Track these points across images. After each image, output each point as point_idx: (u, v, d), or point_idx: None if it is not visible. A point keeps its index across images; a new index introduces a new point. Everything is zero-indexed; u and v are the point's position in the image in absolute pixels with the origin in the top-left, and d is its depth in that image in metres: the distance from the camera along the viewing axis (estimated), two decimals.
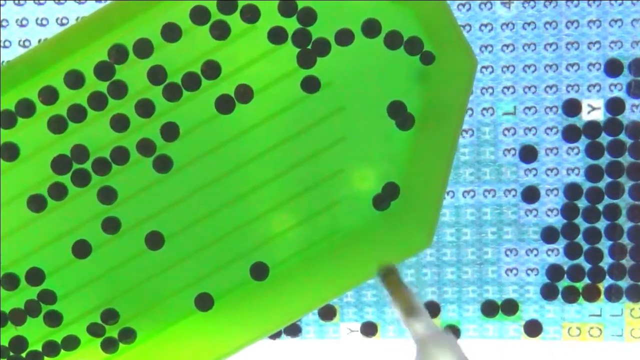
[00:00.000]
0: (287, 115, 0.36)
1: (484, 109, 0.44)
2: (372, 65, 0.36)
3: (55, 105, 0.35)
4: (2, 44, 0.43)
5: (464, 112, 0.36)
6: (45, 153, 0.36)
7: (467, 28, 0.43)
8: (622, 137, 0.44)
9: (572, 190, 0.44)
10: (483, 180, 0.44)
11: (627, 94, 0.44)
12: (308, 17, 0.35)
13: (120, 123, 0.36)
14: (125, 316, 0.38)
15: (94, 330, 0.38)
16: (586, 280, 0.45)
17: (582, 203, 0.44)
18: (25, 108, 0.35)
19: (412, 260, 0.45)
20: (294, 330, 0.46)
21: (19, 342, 0.37)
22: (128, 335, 0.38)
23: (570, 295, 0.45)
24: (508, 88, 0.44)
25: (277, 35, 0.35)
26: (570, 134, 0.44)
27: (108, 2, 0.35)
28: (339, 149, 0.37)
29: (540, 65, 0.43)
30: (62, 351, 0.38)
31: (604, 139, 0.44)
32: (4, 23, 0.43)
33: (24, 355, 0.38)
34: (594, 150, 0.44)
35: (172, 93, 0.36)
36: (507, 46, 0.43)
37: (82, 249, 0.37)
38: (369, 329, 0.46)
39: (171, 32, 0.35)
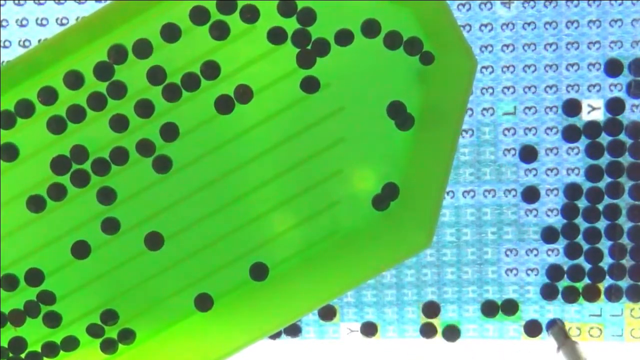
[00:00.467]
0: (286, 115, 0.36)
1: (484, 109, 0.44)
2: (371, 66, 0.36)
3: (54, 105, 0.35)
4: (2, 44, 0.43)
5: (463, 113, 0.36)
6: (45, 153, 0.36)
7: (467, 28, 0.43)
8: (622, 137, 0.44)
9: (572, 190, 0.44)
10: (483, 180, 0.44)
11: (627, 94, 0.44)
12: (308, 17, 0.35)
13: (119, 123, 0.35)
14: (125, 317, 0.38)
15: (94, 330, 0.38)
16: (586, 280, 0.45)
17: (582, 203, 0.44)
18: (25, 108, 0.35)
19: (412, 260, 0.45)
20: (294, 330, 0.46)
21: (18, 343, 0.38)
22: (127, 335, 0.38)
23: (570, 295, 0.45)
24: (508, 88, 0.44)
25: (276, 36, 0.35)
26: (570, 134, 0.44)
27: (107, 2, 0.34)
28: (339, 149, 0.37)
29: (540, 65, 0.43)
30: (62, 352, 0.38)
31: (604, 139, 0.44)
32: (4, 23, 0.43)
33: (23, 356, 0.38)
34: (594, 150, 0.44)
35: (172, 93, 0.36)
36: (507, 46, 0.43)
37: (81, 250, 0.37)
38: (369, 329, 0.46)
39: (171, 33, 0.35)
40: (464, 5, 0.43)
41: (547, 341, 0.46)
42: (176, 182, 0.36)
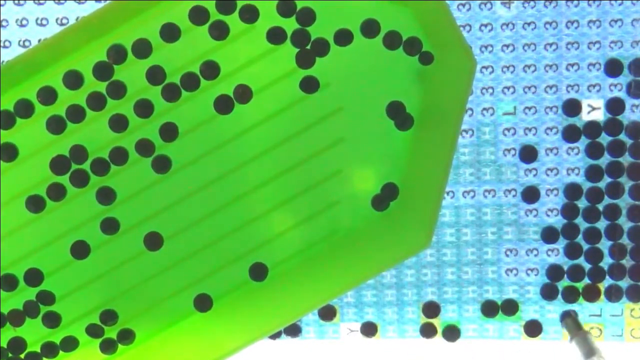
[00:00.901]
0: (286, 115, 0.36)
1: (484, 109, 0.44)
2: (371, 66, 0.36)
3: (54, 105, 0.35)
4: (2, 44, 0.43)
5: (463, 113, 0.36)
6: (44, 153, 0.36)
7: (467, 28, 0.43)
8: (622, 137, 0.44)
9: (572, 190, 0.44)
10: (483, 180, 0.44)
11: (627, 94, 0.44)
12: (307, 17, 0.35)
13: (119, 123, 0.35)
14: (124, 317, 0.38)
15: (93, 331, 0.38)
16: (586, 280, 0.45)
17: (582, 203, 0.44)
18: (24, 108, 0.35)
19: (412, 260, 0.45)
20: (294, 330, 0.46)
21: (17, 343, 0.37)
22: (127, 336, 0.38)
23: (571, 295, 0.45)
24: (508, 88, 0.44)
25: (276, 36, 0.35)
26: (570, 134, 0.44)
27: (107, 2, 0.34)
28: (338, 149, 0.37)
29: (540, 65, 0.43)
30: (61, 352, 0.38)
31: (604, 139, 0.44)
32: (4, 23, 0.43)
33: (22, 356, 0.38)
34: (594, 150, 0.44)
35: (171, 93, 0.35)
36: (507, 46, 0.43)
37: (81, 250, 0.37)
38: (369, 329, 0.46)
39: (170, 32, 0.35)
40: (464, 5, 0.43)
41: (546, 341, 0.46)
42: (176, 182, 0.36)
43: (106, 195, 0.36)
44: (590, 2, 0.43)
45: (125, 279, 0.37)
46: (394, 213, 0.38)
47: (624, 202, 0.44)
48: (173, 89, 0.35)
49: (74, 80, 0.35)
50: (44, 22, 0.43)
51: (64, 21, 0.43)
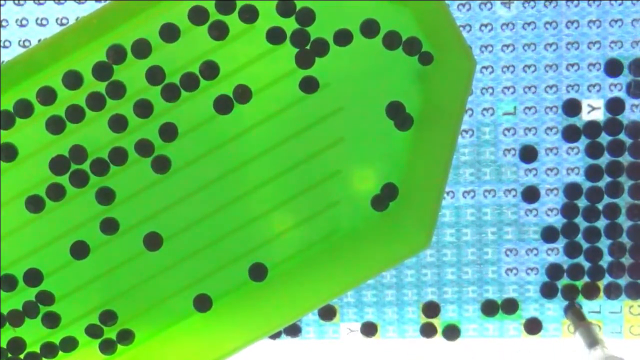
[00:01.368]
0: (285, 115, 0.36)
1: (484, 109, 0.44)
2: (370, 66, 0.36)
3: (53, 105, 0.35)
4: (2, 44, 0.43)
5: (462, 113, 0.36)
6: (44, 154, 0.35)
7: (467, 28, 0.43)
8: (622, 137, 0.44)
9: (572, 190, 0.44)
10: (483, 180, 0.44)
11: (627, 94, 0.44)
12: (306, 17, 0.35)
13: (118, 123, 0.35)
14: (124, 317, 0.38)
15: (93, 331, 0.38)
16: (586, 279, 0.45)
17: (582, 202, 0.44)
18: (24, 108, 0.35)
19: (412, 260, 0.45)
20: (294, 330, 0.46)
21: (17, 344, 0.37)
22: (126, 336, 0.38)
23: (570, 293, 0.45)
24: (508, 88, 0.44)
25: (275, 36, 0.35)
26: (570, 134, 0.44)
27: (106, 2, 0.34)
28: (338, 149, 0.37)
29: (540, 65, 0.43)
30: (60, 353, 0.38)
31: (604, 138, 0.44)
32: (4, 23, 0.43)
33: (22, 356, 0.38)
34: (594, 150, 0.44)
35: (171, 93, 0.35)
36: (507, 46, 0.43)
37: (80, 250, 0.37)
38: (369, 329, 0.46)
39: (170, 32, 0.35)
40: (464, 5, 0.43)
41: (546, 339, 0.46)
42: (175, 183, 0.36)
43: (106, 196, 0.36)
44: (590, 2, 0.43)
45: (125, 280, 0.37)
46: (394, 213, 0.38)
47: (624, 201, 0.44)
48: (173, 89, 0.35)
49: (73, 80, 0.35)
50: (44, 22, 0.43)
51: (64, 21, 0.43)
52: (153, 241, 0.37)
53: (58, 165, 0.36)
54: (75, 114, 0.35)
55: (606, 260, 0.45)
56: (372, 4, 0.35)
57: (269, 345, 0.46)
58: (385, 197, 0.37)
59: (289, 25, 0.35)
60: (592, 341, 0.42)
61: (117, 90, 0.35)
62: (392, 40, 0.36)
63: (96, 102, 0.35)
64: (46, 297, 0.37)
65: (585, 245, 0.45)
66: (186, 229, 0.37)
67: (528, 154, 0.44)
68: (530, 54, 0.43)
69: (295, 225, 0.38)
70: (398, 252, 0.38)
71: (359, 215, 0.38)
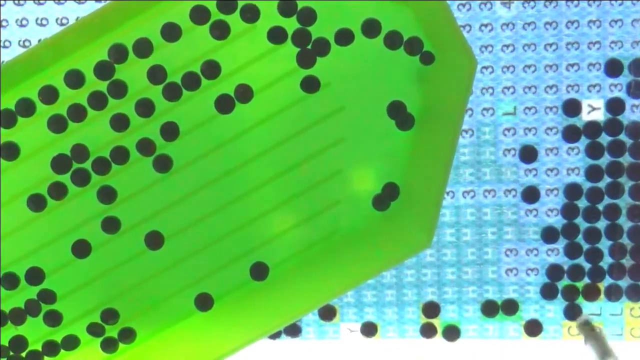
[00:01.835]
0: (286, 115, 0.36)
1: (484, 109, 0.44)
2: (372, 66, 0.36)
3: (55, 104, 0.35)
4: (2, 44, 0.43)
5: (463, 113, 0.36)
6: (45, 152, 0.36)
7: (467, 28, 0.43)
8: (622, 137, 0.44)
9: (572, 190, 0.44)
10: (483, 180, 0.44)
11: (627, 94, 0.44)
12: (308, 17, 0.35)
13: (120, 123, 0.36)
14: (125, 316, 0.38)
15: (94, 330, 0.38)
16: (586, 280, 0.45)
17: (582, 203, 0.44)
18: (26, 107, 0.35)
19: (412, 260, 0.45)
20: (294, 330, 0.46)
21: (18, 342, 0.37)
22: (128, 335, 0.38)
23: (570, 295, 0.45)
24: (508, 88, 0.44)
25: (276, 35, 0.35)
26: (570, 134, 0.44)
27: (108, 1, 0.34)
28: (339, 149, 0.37)
29: (540, 65, 0.43)
30: (62, 351, 0.38)
31: (604, 139, 0.44)
32: (4, 23, 0.43)
33: (23, 354, 0.38)
34: (594, 150, 0.44)
35: (172, 93, 0.36)
36: (507, 46, 0.43)
37: (82, 249, 0.37)
38: (369, 329, 0.46)
39: (171, 32, 0.35)
40: (464, 5, 0.43)
41: (546, 340, 0.46)
42: (177, 182, 0.36)
43: (107, 195, 0.36)
44: (590, 2, 0.43)
45: (126, 278, 0.37)
46: (395, 213, 0.38)
47: (624, 202, 0.44)
48: (174, 88, 0.36)
49: (75, 79, 0.35)
50: (44, 22, 0.43)
51: (64, 21, 0.43)
52: (154, 240, 0.37)
53: (60, 164, 0.36)
54: (77, 113, 0.35)
55: (607, 261, 0.45)
56: (374, 3, 0.35)
57: (269, 345, 0.46)
58: (386, 196, 0.38)
59: (290, 24, 0.35)
60: (604, 352, 0.43)
61: (119, 89, 0.35)
62: (393, 40, 0.36)
63: (98, 101, 0.35)
64: (48, 296, 0.37)
65: (585, 246, 0.45)
66: (188, 228, 0.37)
67: (528, 154, 0.44)
68: (530, 54, 0.43)
69: (296, 224, 0.38)
70: (399, 252, 0.38)
71: (360, 215, 0.38)
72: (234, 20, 0.35)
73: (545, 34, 0.43)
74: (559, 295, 0.45)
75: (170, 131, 0.36)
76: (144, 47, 0.35)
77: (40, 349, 0.38)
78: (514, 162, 0.44)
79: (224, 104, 0.36)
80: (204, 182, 0.37)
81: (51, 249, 0.37)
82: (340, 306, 0.46)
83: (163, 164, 0.36)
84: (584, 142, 0.44)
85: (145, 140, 0.36)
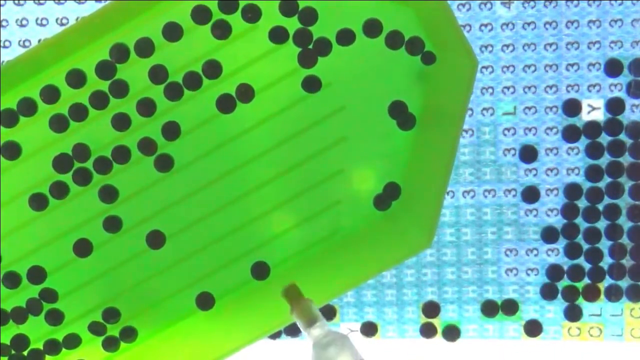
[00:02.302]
0: (288, 114, 0.36)
1: (484, 109, 0.44)
2: (373, 65, 0.36)
3: (56, 104, 0.35)
4: (2, 44, 0.43)
5: (464, 112, 0.36)
6: (47, 152, 0.36)
7: (467, 28, 0.43)
8: (622, 137, 0.44)
9: (572, 190, 0.44)
10: (483, 180, 0.44)
11: (627, 94, 0.44)
12: (309, 16, 0.35)
13: (121, 122, 0.36)
14: (127, 315, 0.38)
15: (96, 328, 0.38)
16: (586, 280, 0.45)
17: (582, 203, 0.44)
18: (27, 107, 0.35)
19: (412, 260, 0.45)
20: (294, 330, 0.46)
21: (20, 341, 0.38)
22: (129, 334, 0.38)
23: (570, 295, 0.45)
24: (508, 88, 0.44)
25: (278, 35, 0.35)
26: (570, 134, 0.44)
27: (109, 1, 0.34)
28: (340, 148, 0.37)
29: (540, 65, 0.44)
30: (64, 349, 0.38)
31: (604, 139, 0.44)
32: (4, 23, 0.43)
33: (25, 353, 0.38)
34: (594, 150, 0.44)
35: (174, 92, 0.36)
36: (507, 46, 0.43)
37: (83, 248, 0.37)
38: (369, 329, 0.46)
39: (172, 32, 0.35)
40: (464, 5, 0.43)
41: (546, 341, 0.46)
42: (178, 181, 0.36)
43: (109, 194, 0.36)
44: (590, 2, 0.43)
45: (128, 277, 0.37)
46: (395, 213, 0.38)
47: (624, 202, 0.44)
48: (175, 88, 0.35)
49: (76, 79, 0.35)
50: (44, 22, 0.43)
51: (64, 21, 0.43)
52: (156, 239, 0.37)
53: (61, 163, 0.36)
54: (79, 112, 0.35)
55: (607, 261, 0.45)
56: (375, 3, 0.35)
57: (269, 345, 0.46)
58: (387, 196, 0.38)
59: (292, 24, 0.35)
60: (311, 319, 0.37)
61: (120, 89, 0.35)
62: (394, 40, 0.36)
63: (99, 100, 0.35)
64: (49, 295, 0.37)
65: (585, 246, 0.45)
66: (189, 227, 0.37)
67: (528, 154, 0.44)
68: (530, 54, 0.43)
69: (297, 224, 0.38)
70: (399, 252, 0.38)
71: (361, 215, 0.38)
72: (235, 20, 0.35)
73: (545, 33, 0.43)
74: (559, 296, 0.45)
75: (171, 131, 0.36)
76: (145, 47, 0.35)
77: (41, 347, 0.38)
78: (514, 162, 0.44)
79: (225, 104, 0.36)
80: (205, 181, 0.37)
81: (53, 248, 0.37)
82: (340, 306, 0.46)
83: (164, 164, 0.36)
84: (583, 142, 0.44)
85: (146, 140, 0.36)
